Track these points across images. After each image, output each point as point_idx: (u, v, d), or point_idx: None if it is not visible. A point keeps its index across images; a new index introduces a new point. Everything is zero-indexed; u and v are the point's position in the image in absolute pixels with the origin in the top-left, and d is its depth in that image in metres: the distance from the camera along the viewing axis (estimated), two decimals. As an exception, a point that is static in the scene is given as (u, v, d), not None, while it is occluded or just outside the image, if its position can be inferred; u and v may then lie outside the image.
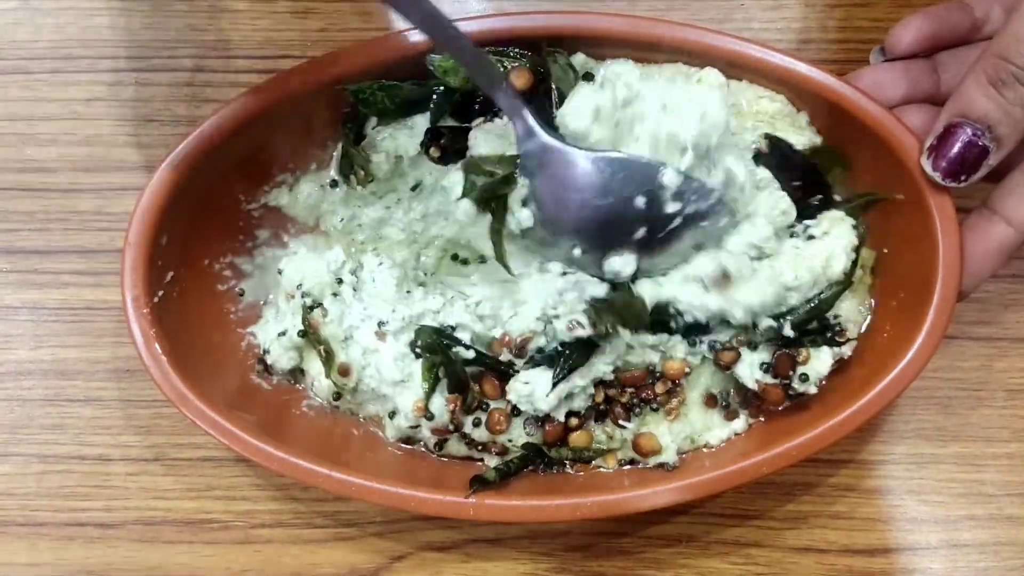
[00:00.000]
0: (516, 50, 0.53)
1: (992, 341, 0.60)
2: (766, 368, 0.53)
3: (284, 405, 0.57)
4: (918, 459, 0.59)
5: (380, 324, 0.54)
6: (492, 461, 0.55)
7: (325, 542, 0.59)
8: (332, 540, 0.59)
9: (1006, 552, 0.59)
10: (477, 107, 0.54)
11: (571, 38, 0.53)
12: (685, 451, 0.56)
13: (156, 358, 0.51)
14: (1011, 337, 0.60)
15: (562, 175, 0.49)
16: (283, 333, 0.56)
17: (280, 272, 0.57)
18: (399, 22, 0.62)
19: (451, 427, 0.54)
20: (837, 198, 0.55)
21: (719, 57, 0.53)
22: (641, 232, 0.50)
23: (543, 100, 0.52)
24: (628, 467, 0.56)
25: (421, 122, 0.55)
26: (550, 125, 0.50)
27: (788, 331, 0.52)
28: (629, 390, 0.55)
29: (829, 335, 0.53)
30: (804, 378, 0.53)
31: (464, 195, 0.50)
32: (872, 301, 0.55)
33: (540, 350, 0.52)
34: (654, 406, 0.55)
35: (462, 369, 0.53)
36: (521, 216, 0.50)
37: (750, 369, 0.53)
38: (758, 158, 0.53)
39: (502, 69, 0.52)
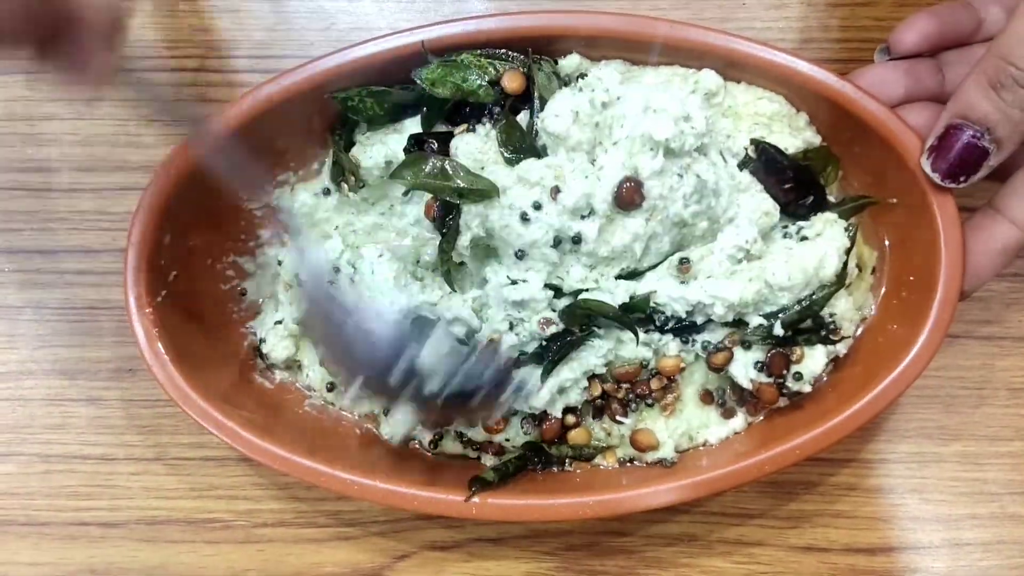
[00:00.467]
0: (508, 52, 0.53)
1: (994, 340, 0.60)
2: (760, 367, 0.53)
3: (287, 404, 0.57)
4: (920, 458, 0.59)
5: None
6: (489, 460, 0.55)
7: (327, 541, 0.59)
8: (334, 539, 0.59)
9: (1009, 551, 0.59)
10: (468, 111, 0.54)
11: (568, 38, 0.53)
12: (683, 448, 0.56)
13: (159, 358, 0.51)
14: (1013, 336, 0.60)
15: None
16: (279, 322, 0.56)
17: (280, 263, 0.57)
18: (395, 24, 0.62)
19: (446, 427, 0.54)
20: (831, 199, 0.55)
21: (718, 56, 0.53)
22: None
23: (527, 106, 0.53)
24: (628, 465, 0.56)
25: (411, 126, 0.55)
26: (530, 130, 0.51)
27: (778, 330, 0.52)
28: (624, 386, 0.55)
29: (823, 333, 0.53)
30: (798, 377, 0.53)
31: (407, 190, 0.52)
32: (873, 300, 0.55)
33: (523, 352, 0.52)
34: (649, 402, 0.55)
35: None
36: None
37: (744, 368, 0.53)
38: (745, 163, 0.53)
39: (495, 71, 0.52)
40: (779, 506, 0.59)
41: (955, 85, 0.49)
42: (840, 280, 0.53)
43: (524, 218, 0.49)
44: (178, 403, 0.51)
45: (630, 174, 0.49)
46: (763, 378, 0.53)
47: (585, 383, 0.54)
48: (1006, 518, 0.59)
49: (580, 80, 0.52)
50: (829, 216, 0.54)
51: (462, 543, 0.59)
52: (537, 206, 0.49)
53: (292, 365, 0.58)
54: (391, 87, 0.54)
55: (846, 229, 0.54)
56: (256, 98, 0.52)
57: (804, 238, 0.53)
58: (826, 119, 0.54)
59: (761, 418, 0.56)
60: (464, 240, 0.51)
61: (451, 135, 0.53)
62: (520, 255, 0.50)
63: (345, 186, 0.56)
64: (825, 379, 0.55)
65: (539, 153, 0.51)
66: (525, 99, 0.53)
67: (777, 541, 0.59)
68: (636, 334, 0.52)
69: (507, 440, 0.55)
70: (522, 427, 0.55)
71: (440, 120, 0.54)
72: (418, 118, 0.54)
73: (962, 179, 0.48)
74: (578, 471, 0.56)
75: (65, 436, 0.60)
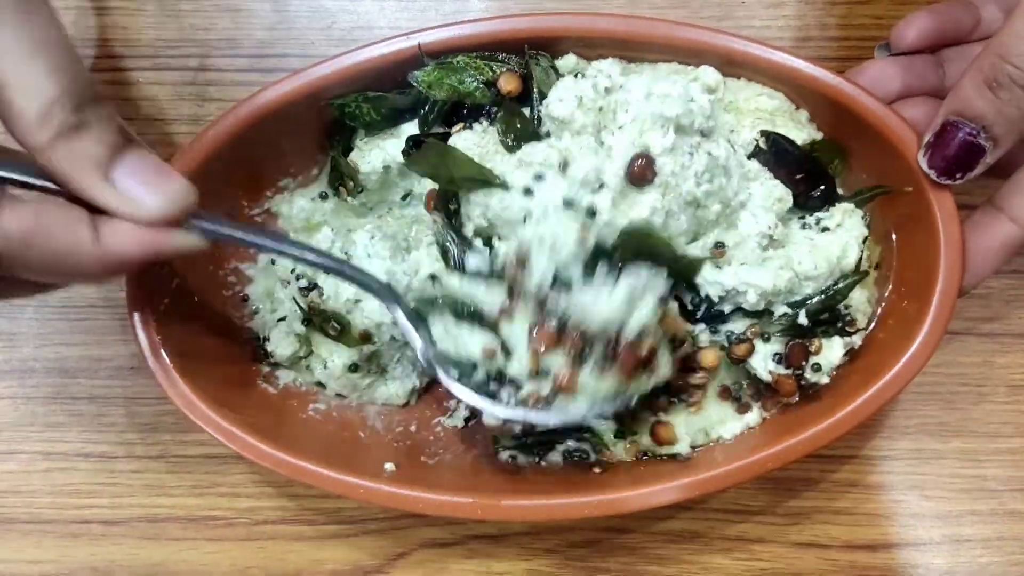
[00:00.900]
0: (503, 55, 0.53)
1: (994, 337, 0.60)
2: (779, 359, 0.53)
3: (291, 409, 0.57)
4: (920, 455, 0.60)
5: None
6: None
7: (329, 539, 0.59)
8: (336, 537, 0.59)
9: (1009, 547, 0.59)
10: (465, 112, 0.54)
11: (566, 39, 0.53)
12: (698, 443, 0.56)
13: (163, 365, 0.51)
14: (1013, 333, 0.60)
15: None
16: (283, 318, 0.56)
17: (273, 262, 0.58)
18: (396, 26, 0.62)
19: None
20: (840, 191, 0.55)
21: (717, 55, 0.53)
22: None
23: (527, 102, 0.53)
24: (644, 458, 0.56)
25: (409, 130, 0.55)
26: (537, 119, 0.52)
27: (803, 319, 0.52)
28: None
29: (840, 325, 0.54)
30: (817, 368, 0.53)
31: (405, 194, 0.53)
32: (878, 294, 0.56)
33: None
34: (684, 397, 0.55)
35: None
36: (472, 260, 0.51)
37: (764, 361, 0.53)
38: (755, 154, 0.53)
39: (491, 72, 0.52)
40: (780, 503, 0.60)
41: (955, 81, 0.50)
42: (860, 270, 0.53)
43: (527, 191, 0.49)
44: (184, 410, 0.51)
45: (641, 151, 0.48)
46: (782, 370, 0.53)
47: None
48: (1006, 514, 0.59)
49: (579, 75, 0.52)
50: (847, 206, 0.54)
51: (463, 540, 0.59)
52: (540, 176, 0.48)
53: (296, 362, 0.58)
54: (388, 92, 0.54)
55: (862, 218, 0.54)
56: (251, 106, 0.52)
57: (825, 228, 0.54)
58: (826, 116, 0.54)
59: (774, 412, 0.56)
60: (468, 231, 0.51)
61: (449, 135, 0.53)
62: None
63: (343, 191, 0.57)
64: (837, 372, 0.55)
65: (541, 139, 0.51)
66: (522, 100, 0.53)
67: (778, 538, 0.59)
68: (695, 287, 0.51)
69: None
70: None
71: (438, 122, 0.54)
72: (416, 122, 0.54)
73: (958, 176, 0.48)
74: (596, 468, 0.55)
75: (67, 434, 0.60)
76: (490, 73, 0.52)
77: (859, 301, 0.54)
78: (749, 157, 0.53)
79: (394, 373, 0.58)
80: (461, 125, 0.53)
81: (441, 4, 0.62)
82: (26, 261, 0.39)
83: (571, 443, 0.56)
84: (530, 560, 0.59)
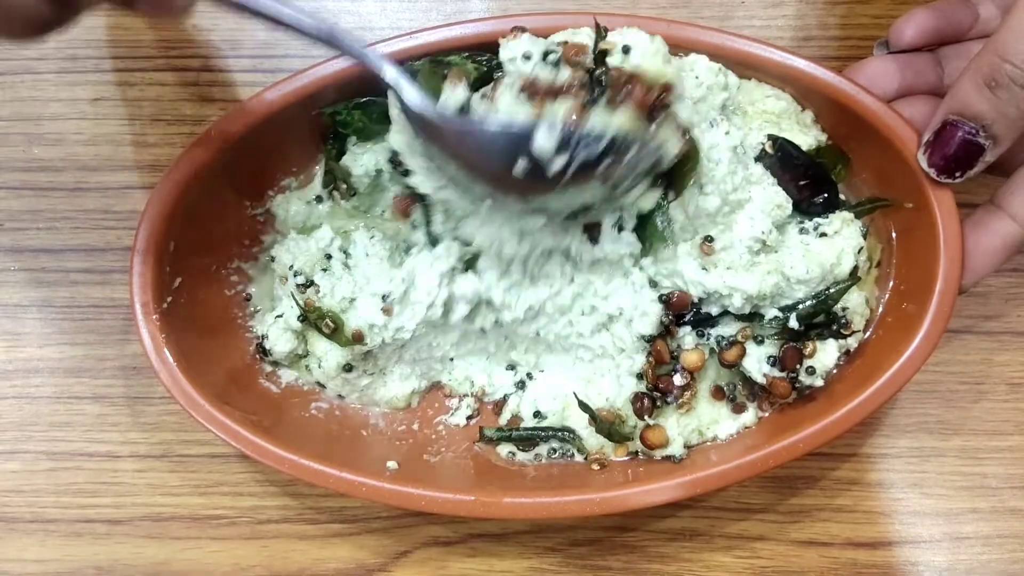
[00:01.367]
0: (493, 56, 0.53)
1: (994, 335, 0.61)
2: (773, 361, 0.53)
3: (293, 408, 0.58)
4: (920, 453, 0.60)
5: (384, 298, 0.54)
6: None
7: (331, 537, 0.60)
8: (338, 536, 0.60)
9: (1009, 545, 0.59)
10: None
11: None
12: (692, 444, 0.56)
13: (166, 364, 0.52)
14: (1012, 331, 0.60)
15: (441, 142, 0.48)
16: (280, 315, 0.57)
17: (273, 259, 0.58)
18: (401, 24, 0.62)
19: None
20: (843, 197, 0.56)
21: (716, 54, 0.53)
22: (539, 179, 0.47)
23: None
24: (634, 457, 0.56)
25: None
26: None
27: (793, 323, 0.53)
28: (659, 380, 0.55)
29: (835, 328, 0.54)
30: (811, 371, 0.53)
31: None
32: (879, 293, 0.56)
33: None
34: (670, 399, 0.55)
35: None
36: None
37: (758, 363, 0.54)
38: (761, 158, 0.54)
39: (479, 70, 0.52)
40: (780, 501, 0.60)
41: (954, 79, 0.50)
42: (854, 276, 0.53)
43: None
44: (187, 409, 0.51)
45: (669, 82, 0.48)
46: (776, 372, 0.53)
47: None
48: (1006, 512, 0.59)
49: None
50: (847, 215, 0.54)
51: (465, 539, 0.59)
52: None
53: (296, 361, 0.58)
54: (377, 97, 0.54)
55: (861, 228, 0.54)
56: (253, 106, 0.52)
57: (823, 234, 0.54)
58: (828, 115, 0.54)
59: (771, 412, 0.56)
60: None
61: None
62: None
63: (336, 194, 0.57)
64: (836, 371, 0.55)
65: None
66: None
67: (779, 536, 0.59)
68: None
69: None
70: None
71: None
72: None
73: (957, 175, 0.49)
74: (595, 466, 0.56)
75: (70, 433, 0.60)
76: (476, 72, 0.52)
77: (856, 304, 0.54)
78: (756, 160, 0.54)
79: (393, 375, 0.58)
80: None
81: (442, 4, 0.62)
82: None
83: (555, 444, 0.57)
84: (532, 558, 0.59)
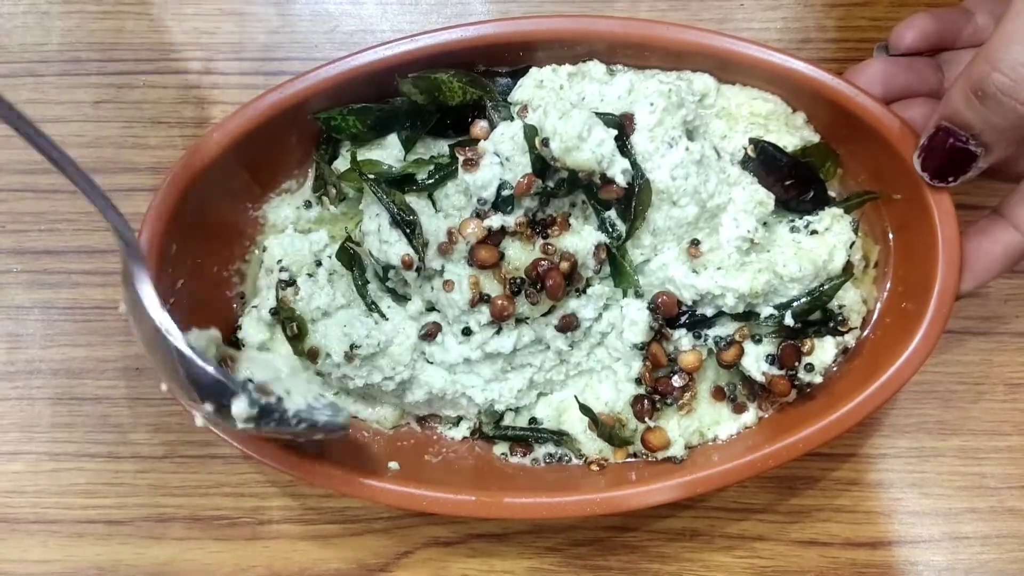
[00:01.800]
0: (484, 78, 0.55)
1: (992, 336, 0.61)
2: (772, 360, 0.54)
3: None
4: (920, 453, 0.60)
5: (353, 347, 0.53)
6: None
7: (333, 538, 0.60)
8: (340, 536, 0.60)
9: (1008, 544, 0.59)
10: (449, 122, 0.55)
11: (566, 41, 0.54)
12: (693, 446, 0.56)
13: None
14: (1011, 332, 0.61)
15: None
16: (256, 306, 0.56)
17: (264, 248, 0.58)
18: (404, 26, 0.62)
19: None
20: (832, 194, 0.56)
21: (715, 56, 0.53)
22: None
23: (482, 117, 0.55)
24: (634, 459, 0.56)
25: (395, 141, 0.55)
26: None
27: (789, 320, 0.53)
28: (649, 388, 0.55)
29: (832, 325, 0.54)
30: (809, 368, 0.53)
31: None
32: (877, 293, 0.56)
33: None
34: (669, 401, 0.55)
35: None
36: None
37: (756, 361, 0.54)
38: (745, 162, 0.54)
39: (465, 94, 0.54)
40: (780, 501, 0.60)
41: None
42: (847, 271, 0.54)
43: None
44: (188, 409, 0.51)
45: (627, 112, 0.51)
46: (775, 371, 0.54)
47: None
48: (1005, 512, 0.59)
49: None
50: (836, 211, 0.54)
51: (466, 539, 0.60)
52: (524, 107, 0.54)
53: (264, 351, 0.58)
54: (371, 103, 0.54)
55: (851, 223, 0.55)
56: (247, 111, 0.52)
57: (814, 232, 0.54)
58: (824, 117, 0.55)
59: (771, 412, 0.56)
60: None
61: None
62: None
63: (326, 199, 0.57)
64: (836, 370, 0.55)
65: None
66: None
67: (779, 536, 0.60)
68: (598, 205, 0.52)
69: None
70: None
71: (422, 132, 0.55)
72: (398, 133, 0.55)
73: (950, 179, 0.49)
74: (594, 467, 0.56)
75: (72, 434, 0.61)
76: (462, 94, 0.54)
77: (853, 301, 0.54)
78: (742, 165, 0.54)
79: (381, 400, 0.58)
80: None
81: (444, 7, 0.63)
82: None
83: (551, 448, 0.57)
84: (532, 558, 0.60)
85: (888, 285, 0.56)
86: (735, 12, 0.62)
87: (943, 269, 0.51)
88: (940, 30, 0.53)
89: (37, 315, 0.61)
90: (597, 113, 0.50)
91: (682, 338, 0.54)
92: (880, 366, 0.52)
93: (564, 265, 0.51)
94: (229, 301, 0.58)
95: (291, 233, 0.57)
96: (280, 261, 0.56)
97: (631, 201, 0.51)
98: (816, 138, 0.55)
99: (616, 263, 0.53)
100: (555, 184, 0.51)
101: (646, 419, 0.55)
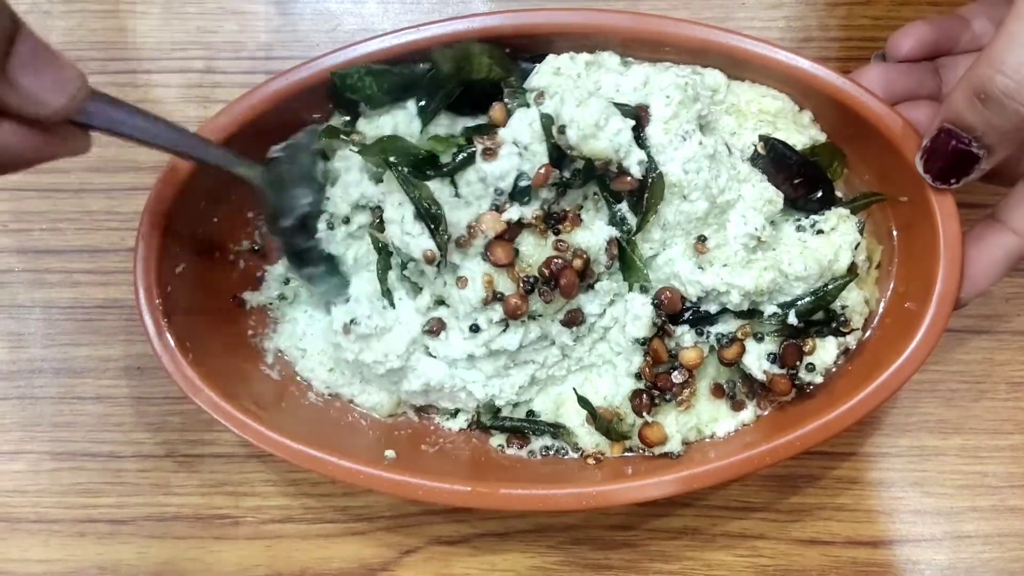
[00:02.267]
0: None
1: (994, 334, 0.61)
2: (773, 359, 0.54)
3: (293, 395, 0.58)
4: (921, 451, 0.60)
5: (352, 321, 0.54)
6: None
7: (335, 537, 0.60)
8: (342, 535, 0.60)
9: (1010, 543, 0.59)
10: (473, 99, 0.54)
11: (570, 35, 0.54)
12: (691, 442, 0.56)
13: (168, 349, 0.52)
14: (1012, 330, 0.61)
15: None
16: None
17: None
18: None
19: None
20: (839, 194, 0.56)
21: (723, 54, 0.53)
22: None
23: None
24: (630, 454, 0.56)
25: (408, 110, 0.54)
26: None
27: (792, 319, 0.53)
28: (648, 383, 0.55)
29: (834, 325, 0.54)
30: (811, 368, 0.53)
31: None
32: (880, 294, 0.56)
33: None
34: (669, 397, 0.55)
35: None
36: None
37: (758, 360, 0.54)
38: (754, 158, 0.54)
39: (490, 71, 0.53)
40: (781, 499, 0.60)
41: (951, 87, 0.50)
42: (852, 272, 0.54)
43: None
44: (187, 393, 0.51)
45: (643, 104, 0.51)
46: (776, 369, 0.54)
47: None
48: (1006, 511, 0.59)
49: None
50: (843, 211, 0.54)
51: (468, 538, 0.60)
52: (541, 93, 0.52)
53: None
54: (393, 66, 0.53)
55: (857, 224, 0.54)
56: (266, 91, 0.53)
57: (820, 231, 0.54)
58: (829, 117, 0.55)
59: (769, 411, 0.56)
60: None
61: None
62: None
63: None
64: (835, 371, 0.55)
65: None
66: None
67: (779, 534, 0.60)
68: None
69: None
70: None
71: (442, 106, 0.54)
72: (419, 100, 0.54)
73: (953, 181, 0.49)
74: (590, 460, 0.56)
75: (74, 434, 0.61)
76: (489, 70, 0.53)
77: (855, 302, 0.54)
78: (751, 162, 0.54)
79: (375, 383, 0.58)
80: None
81: (444, 6, 0.63)
82: None
83: (547, 440, 0.57)
84: (534, 557, 0.60)
85: (891, 285, 0.56)
86: (736, 11, 0.62)
87: (944, 269, 0.51)
88: (937, 38, 0.53)
89: (39, 314, 0.61)
90: (613, 103, 0.49)
91: (684, 334, 0.54)
92: (881, 365, 0.52)
93: (577, 262, 0.51)
94: (232, 286, 0.58)
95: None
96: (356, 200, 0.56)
97: (643, 194, 0.51)
98: (823, 137, 0.56)
99: (626, 257, 0.53)
100: (571, 174, 0.50)
101: (644, 414, 0.54)
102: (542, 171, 0.49)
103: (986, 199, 0.56)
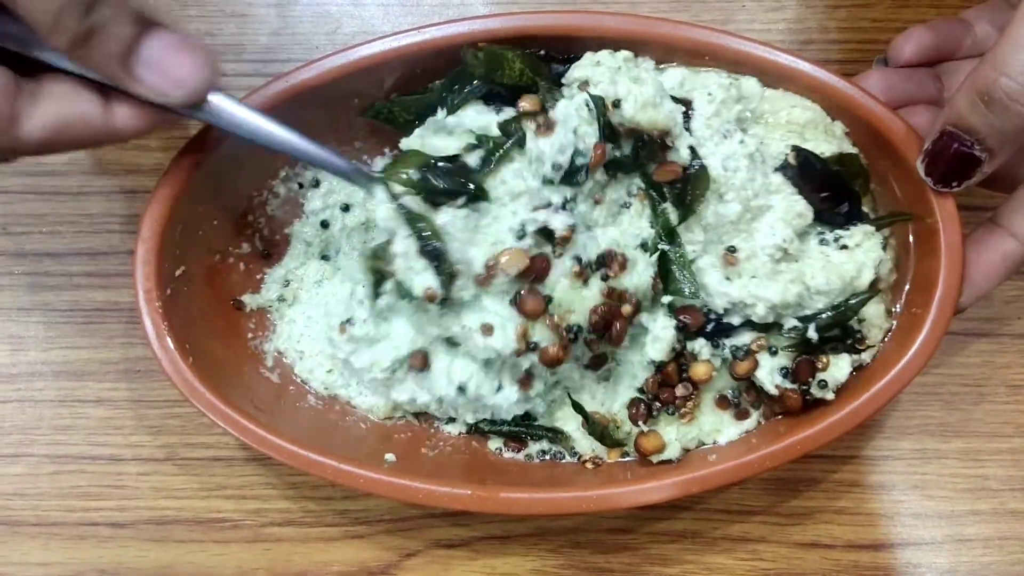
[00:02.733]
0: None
1: (994, 337, 0.61)
2: (785, 373, 0.53)
3: (292, 398, 0.58)
4: (922, 455, 0.60)
5: (348, 321, 0.54)
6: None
7: (335, 540, 0.60)
8: (342, 538, 0.60)
9: (1010, 546, 0.59)
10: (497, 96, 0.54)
11: (586, 39, 0.53)
12: (690, 450, 0.56)
13: (168, 352, 0.51)
14: (1013, 333, 0.61)
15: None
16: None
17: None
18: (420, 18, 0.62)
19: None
20: (867, 209, 0.55)
21: (724, 57, 0.53)
22: None
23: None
24: (629, 458, 0.56)
25: (441, 115, 0.54)
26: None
27: (812, 333, 0.52)
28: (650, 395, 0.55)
29: (850, 341, 0.54)
30: (823, 384, 0.53)
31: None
32: (894, 308, 0.55)
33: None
34: (670, 410, 0.55)
35: None
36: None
37: (771, 374, 0.53)
38: (783, 168, 0.53)
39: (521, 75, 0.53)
40: (782, 503, 0.60)
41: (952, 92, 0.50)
42: (873, 289, 0.53)
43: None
44: (187, 396, 0.51)
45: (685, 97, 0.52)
46: (788, 384, 0.53)
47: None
48: (1007, 514, 0.59)
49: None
50: (868, 228, 0.54)
51: (469, 541, 0.60)
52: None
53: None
54: (407, 95, 0.55)
55: (880, 242, 0.54)
56: (269, 92, 0.53)
57: (844, 246, 0.54)
58: (860, 129, 0.54)
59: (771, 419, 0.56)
60: None
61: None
62: None
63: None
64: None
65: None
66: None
67: (780, 538, 0.60)
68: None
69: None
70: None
71: (469, 98, 0.53)
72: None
73: (954, 184, 0.49)
74: (587, 464, 0.56)
75: (74, 437, 0.61)
76: (520, 74, 0.53)
77: (874, 315, 0.54)
78: (776, 170, 0.53)
79: (369, 388, 0.58)
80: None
81: (445, 9, 0.63)
82: (45, 151, 0.43)
83: (544, 444, 0.57)
84: (534, 560, 0.60)
85: (907, 287, 0.55)
86: (737, 13, 0.62)
87: (945, 272, 0.51)
88: (939, 43, 0.53)
89: (38, 317, 0.61)
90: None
91: (702, 348, 0.54)
92: (882, 368, 0.52)
93: (627, 308, 0.50)
94: (233, 289, 0.58)
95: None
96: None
97: (687, 187, 0.50)
98: (854, 150, 0.55)
99: (670, 269, 0.52)
100: (620, 155, 0.50)
101: (640, 423, 0.54)
102: (599, 150, 0.49)
103: (987, 202, 0.55)
